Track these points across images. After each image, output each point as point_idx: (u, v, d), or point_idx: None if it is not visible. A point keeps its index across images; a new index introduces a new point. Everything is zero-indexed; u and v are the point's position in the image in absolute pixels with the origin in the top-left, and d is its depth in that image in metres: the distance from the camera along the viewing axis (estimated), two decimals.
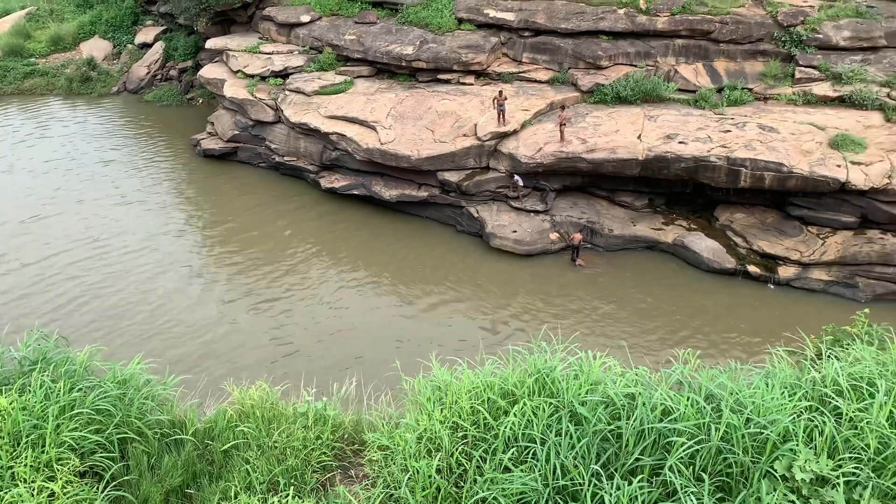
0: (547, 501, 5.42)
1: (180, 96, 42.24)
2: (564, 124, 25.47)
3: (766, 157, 23.02)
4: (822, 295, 22.48)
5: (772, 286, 22.87)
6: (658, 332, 21.07)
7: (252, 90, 32.11)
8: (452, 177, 26.36)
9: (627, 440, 5.53)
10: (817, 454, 5.17)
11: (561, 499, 5.45)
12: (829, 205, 23.42)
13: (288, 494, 6.31)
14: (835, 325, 9.26)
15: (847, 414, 5.42)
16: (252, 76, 32.90)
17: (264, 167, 32.45)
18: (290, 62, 33.00)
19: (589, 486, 5.33)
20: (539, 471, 5.54)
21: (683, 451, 5.31)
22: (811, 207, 23.78)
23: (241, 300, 22.96)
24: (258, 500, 6.31)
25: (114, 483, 6.48)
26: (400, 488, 5.89)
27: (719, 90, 27.71)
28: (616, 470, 5.47)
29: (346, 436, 7.36)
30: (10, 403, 6.48)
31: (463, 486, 5.82)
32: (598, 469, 5.43)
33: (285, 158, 31.14)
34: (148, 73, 44.54)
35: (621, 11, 29.29)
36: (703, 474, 5.27)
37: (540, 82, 29.64)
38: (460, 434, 6.11)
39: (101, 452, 6.59)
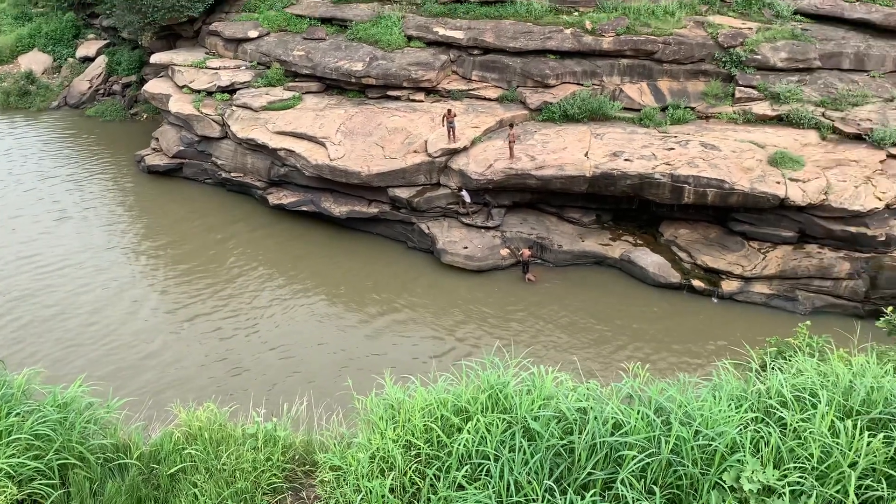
0: None
1: (124, 111, 41.39)
2: (513, 141, 25.73)
3: (709, 174, 23.62)
4: (764, 308, 23.10)
5: (715, 300, 23.40)
6: (607, 346, 21.35)
7: (198, 105, 31.66)
8: (403, 193, 26.35)
9: (580, 455, 5.56)
10: (764, 464, 5.28)
11: None
12: (770, 220, 24.13)
13: None
14: (778, 338, 9.51)
15: (791, 424, 5.55)
16: (198, 91, 32.44)
17: (210, 183, 31.96)
18: (238, 77, 32.66)
19: (542, 501, 5.33)
20: (493, 488, 5.52)
21: (635, 464, 5.36)
22: (752, 223, 24.46)
23: (185, 318, 22.47)
24: None
25: None
26: None
27: (663, 109, 28.37)
28: (569, 485, 5.49)
29: (297, 457, 7.23)
30: None
31: None
32: (552, 484, 5.44)
33: (232, 174, 30.72)
34: (90, 87, 43.56)
35: (568, 31, 29.82)
36: (655, 487, 5.33)
37: (489, 100, 29.92)
38: (413, 452, 6.07)
39: (41, 479, 6.34)
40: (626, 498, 5.25)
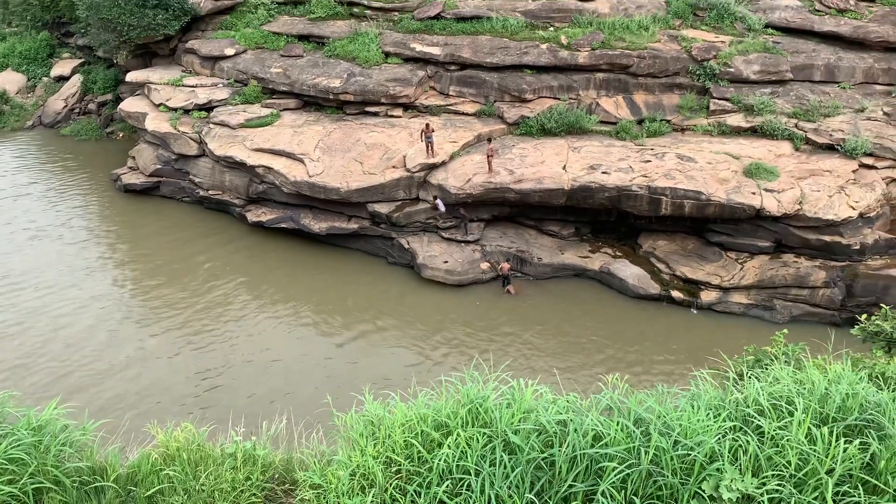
0: None
1: (99, 130, 41.10)
2: (492, 156, 25.85)
3: (685, 186, 23.86)
4: (742, 318, 23.29)
5: (695, 310, 23.57)
6: (587, 357, 21.39)
7: (175, 123, 31.50)
8: (382, 208, 26.35)
9: (560, 467, 5.56)
10: (742, 473, 5.30)
11: None
12: (746, 231, 24.40)
13: None
14: (756, 347, 9.58)
15: (769, 432, 5.59)
16: (175, 109, 32.29)
17: (188, 201, 31.76)
18: (215, 95, 32.56)
19: None
20: (474, 502, 5.50)
21: (615, 475, 5.37)
22: (729, 233, 24.72)
23: (162, 336, 22.24)
24: None
25: None
26: None
27: (639, 122, 28.67)
28: (550, 498, 5.48)
29: (276, 475, 7.16)
30: None
31: None
32: (533, 498, 5.43)
33: (210, 192, 30.55)
34: (65, 106, 43.21)
35: (544, 46, 30.09)
36: (635, 498, 5.33)
37: (467, 115, 30.07)
38: (394, 469, 6.03)
39: None
40: None
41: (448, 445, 5.87)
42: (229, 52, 33.93)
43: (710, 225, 25.11)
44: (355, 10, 34.21)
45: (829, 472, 5.26)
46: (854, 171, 24.69)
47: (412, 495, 5.80)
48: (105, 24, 34.42)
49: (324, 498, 6.15)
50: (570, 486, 5.49)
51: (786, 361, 8.07)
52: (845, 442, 5.34)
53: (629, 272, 24.56)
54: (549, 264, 25.59)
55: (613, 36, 29.98)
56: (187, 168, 31.46)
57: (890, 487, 5.23)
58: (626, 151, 26.40)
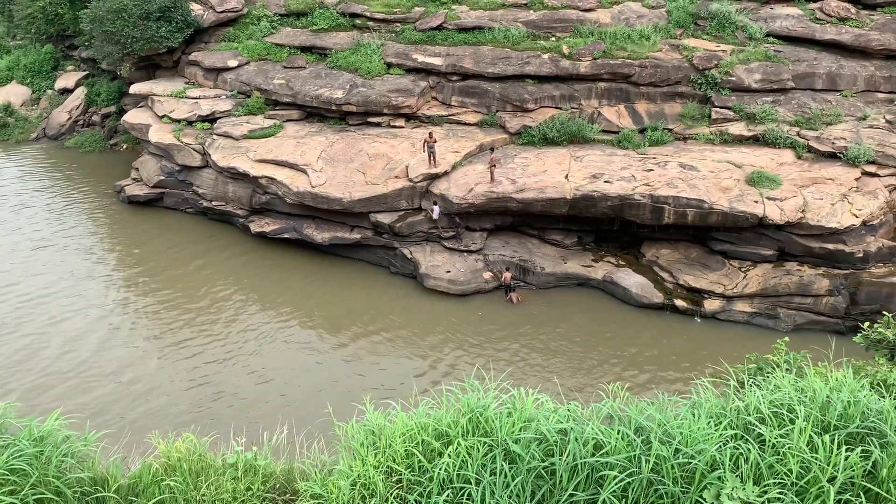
0: None
1: (103, 142, 41.26)
2: (494, 165, 25.89)
3: (688, 195, 23.86)
4: (746, 326, 23.24)
5: (698, 319, 23.52)
6: (589, 366, 21.35)
7: (178, 135, 31.61)
8: (385, 218, 26.39)
9: (561, 476, 5.54)
10: (744, 481, 5.29)
11: None
12: (749, 239, 24.37)
13: None
14: (757, 355, 9.56)
15: (770, 440, 5.57)
16: (178, 121, 32.42)
17: (192, 212, 31.85)
18: (218, 106, 32.69)
19: None
20: None
21: (616, 484, 5.36)
22: (732, 242, 24.69)
23: (166, 346, 22.26)
24: None
25: None
26: None
27: (641, 131, 28.69)
28: None
29: (277, 486, 7.15)
30: None
31: None
32: None
33: (213, 203, 30.64)
34: (69, 118, 43.40)
35: (546, 56, 30.17)
36: None
37: (469, 125, 30.14)
38: (395, 478, 6.02)
39: None
40: None
41: (449, 455, 5.86)
42: (232, 63, 34.08)
43: (713, 233, 25.09)
44: (357, 21, 34.36)
45: (831, 480, 5.24)
46: (857, 179, 24.66)
47: None
48: (109, 37, 34.60)
49: None
50: (571, 495, 5.48)
51: (787, 369, 8.05)
52: (847, 450, 5.32)
53: (632, 281, 24.53)
54: (552, 273, 25.57)
55: (615, 45, 30.05)
56: (191, 179, 31.55)
57: (892, 495, 5.21)
58: (628, 160, 26.42)
